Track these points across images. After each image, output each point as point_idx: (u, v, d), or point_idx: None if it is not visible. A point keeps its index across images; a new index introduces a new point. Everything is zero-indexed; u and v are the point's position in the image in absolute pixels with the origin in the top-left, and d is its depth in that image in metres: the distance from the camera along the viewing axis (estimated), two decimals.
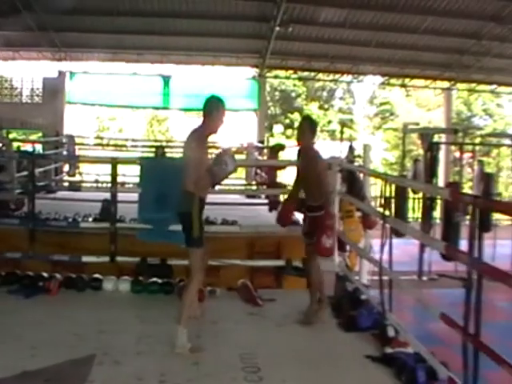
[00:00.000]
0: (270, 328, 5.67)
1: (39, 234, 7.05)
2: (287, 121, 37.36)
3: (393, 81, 23.97)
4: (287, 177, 15.46)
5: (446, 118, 24.39)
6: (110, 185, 7.35)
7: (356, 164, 10.04)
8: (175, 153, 18.22)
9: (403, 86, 24.78)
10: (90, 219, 8.89)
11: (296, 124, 36.01)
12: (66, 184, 15.29)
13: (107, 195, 7.30)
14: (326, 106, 39.27)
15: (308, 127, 6.00)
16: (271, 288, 7.33)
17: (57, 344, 4.96)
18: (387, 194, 5.57)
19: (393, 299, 5.28)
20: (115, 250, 6.88)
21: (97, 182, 15.29)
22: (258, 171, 14.76)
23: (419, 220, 12.87)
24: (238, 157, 5.26)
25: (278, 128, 36.91)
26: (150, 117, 36.36)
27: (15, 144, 14.56)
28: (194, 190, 4.93)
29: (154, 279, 6.79)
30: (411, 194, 12.74)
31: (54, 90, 20.38)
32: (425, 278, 11.59)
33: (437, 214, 12.76)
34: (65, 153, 16.15)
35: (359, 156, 11.01)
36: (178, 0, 17.70)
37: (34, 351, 4.75)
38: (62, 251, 7.29)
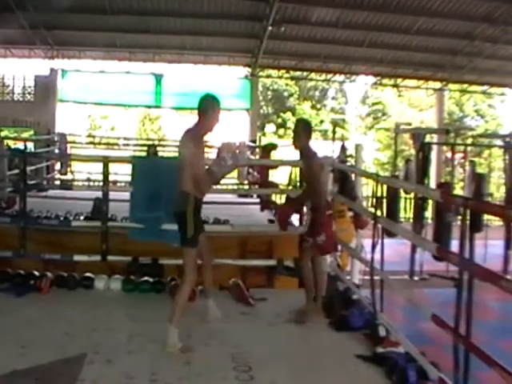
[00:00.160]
0: (262, 327, 5.67)
1: (30, 233, 7.02)
2: (279, 120, 37.39)
3: (385, 81, 24.01)
4: (279, 176, 15.51)
5: (437, 119, 24.44)
6: (101, 183, 7.33)
7: (348, 164, 10.06)
8: (167, 152, 18.25)
9: (395, 86, 24.83)
10: (82, 218, 8.86)
11: (288, 124, 36.19)
12: (57, 182, 15.28)
13: (99, 194, 7.26)
14: (318, 106, 39.36)
15: (302, 129, 6.00)
16: (263, 287, 7.32)
17: (48, 343, 4.94)
18: (379, 194, 5.59)
19: (384, 299, 5.28)
20: (107, 249, 6.85)
21: (88, 180, 15.28)
22: (250, 170, 14.76)
23: (411, 220, 12.91)
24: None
25: (270, 127, 36.94)
26: (143, 115, 36.33)
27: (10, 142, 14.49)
28: (190, 189, 4.92)
29: (146, 278, 6.78)
30: (403, 194, 12.78)
31: (45, 88, 20.29)
32: (416, 278, 11.64)
33: (428, 214, 12.80)
34: (56, 151, 16.12)
35: (351, 156, 11.04)
36: None
37: (24, 350, 4.73)
38: (54, 250, 7.26)
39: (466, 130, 26.81)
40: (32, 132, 20.09)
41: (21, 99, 20.57)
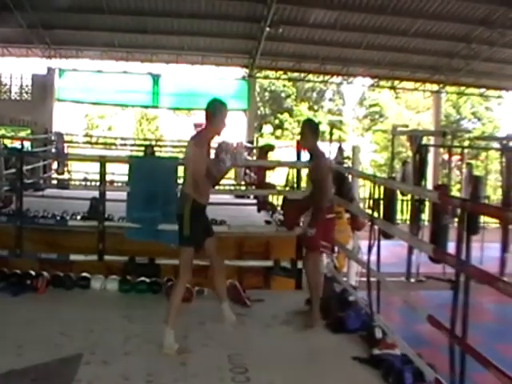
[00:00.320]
0: (258, 328, 5.67)
1: (27, 232, 7.01)
2: (277, 121, 37.39)
3: (382, 83, 23.99)
4: (276, 177, 15.50)
5: (434, 121, 24.46)
6: (98, 183, 7.32)
7: (345, 165, 10.06)
8: (164, 152, 18.25)
9: (393, 88, 24.81)
10: (79, 217, 8.85)
11: (285, 124, 36.22)
12: (54, 182, 15.25)
13: (96, 193, 7.26)
14: (315, 107, 39.35)
15: (308, 130, 5.98)
16: (259, 288, 7.33)
17: (44, 343, 4.94)
18: (376, 196, 5.59)
19: (381, 301, 5.29)
20: (103, 249, 6.85)
21: (85, 180, 15.25)
22: (248, 171, 14.76)
23: (408, 222, 12.91)
24: None
25: (267, 128, 36.93)
26: (140, 115, 36.32)
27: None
28: (190, 191, 4.99)
29: (142, 278, 6.78)
30: (400, 196, 12.78)
31: (43, 87, 20.26)
32: (413, 280, 11.63)
33: (425, 216, 12.81)
34: (53, 150, 16.09)
35: (348, 157, 11.04)
36: None
37: (20, 350, 4.73)
38: (50, 249, 7.25)
39: (463, 133, 26.79)
40: (29, 131, 20.06)
41: (18, 98, 20.52)
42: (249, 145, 17.74)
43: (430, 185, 17.13)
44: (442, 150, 19.80)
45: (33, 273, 6.71)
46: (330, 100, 40.97)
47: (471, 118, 37.44)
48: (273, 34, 18.28)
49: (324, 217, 5.75)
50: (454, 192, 17.62)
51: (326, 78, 23.28)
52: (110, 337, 5.20)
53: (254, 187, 13.47)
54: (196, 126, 37.91)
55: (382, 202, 5.97)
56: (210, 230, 5.38)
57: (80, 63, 21.15)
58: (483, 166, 21.12)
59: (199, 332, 5.41)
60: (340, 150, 12.54)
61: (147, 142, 22.60)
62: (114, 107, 30.79)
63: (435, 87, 23.25)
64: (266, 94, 38.26)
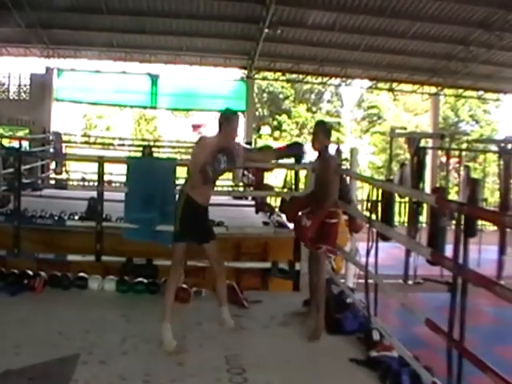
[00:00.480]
0: (256, 330, 5.67)
1: (24, 232, 7.00)
2: (275, 122, 37.40)
3: (381, 85, 23.98)
4: (274, 179, 15.51)
5: (433, 123, 24.49)
6: (96, 183, 7.32)
7: (343, 167, 10.06)
8: (163, 152, 18.24)
9: (391, 90, 24.81)
10: (76, 217, 8.83)
11: (284, 126, 36.23)
12: (52, 182, 15.25)
13: (94, 193, 7.26)
14: (313, 109, 39.35)
15: (320, 131, 5.95)
16: (257, 290, 7.34)
17: (41, 343, 4.94)
18: (374, 198, 5.60)
19: (378, 303, 5.29)
20: (101, 249, 6.85)
21: (83, 180, 15.24)
22: (245, 172, 14.76)
23: (405, 224, 12.91)
24: None
25: (265, 130, 36.94)
26: (138, 116, 36.32)
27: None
28: (186, 188, 5.14)
29: (140, 279, 6.78)
30: (398, 198, 12.77)
31: (41, 87, 20.23)
32: (410, 282, 11.63)
33: (423, 218, 12.81)
34: (52, 150, 16.08)
35: (346, 159, 11.03)
36: None
37: (17, 349, 4.72)
38: (48, 249, 7.25)
39: (461, 135, 26.88)
40: (27, 131, 20.06)
41: (16, 98, 20.49)
42: (247, 146, 17.73)
43: (427, 187, 17.12)
44: (440, 152, 19.77)
45: (30, 273, 6.71)
46: (329, 102, 40.99)
47: (469, 121, 37.51)
48: (271, 35, 18.25)
49: (323, 216, 5.72)
50: (452, 194, 17.66)
51: (325, 79, 23.26)
52: (107, 337, 5.20)
53: (252, 188, 13.47)
54: (194, 126, 37.95)
55: (379, 204, 5.97)
56: (210, 233, 5.41)
57: (78, 63, 21.12)
58: (481, 168, 21.18)
59: (197, 332, 5.41)
60: (338, 151, 12.52)
61: (145, 143, 22.64)
62: (112, 107, 30.76)
63: (433, 89, 23.26)
64: (265, 95, 38.25)
